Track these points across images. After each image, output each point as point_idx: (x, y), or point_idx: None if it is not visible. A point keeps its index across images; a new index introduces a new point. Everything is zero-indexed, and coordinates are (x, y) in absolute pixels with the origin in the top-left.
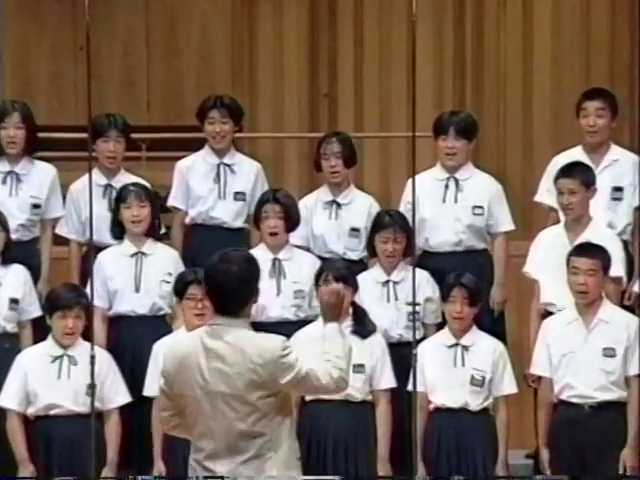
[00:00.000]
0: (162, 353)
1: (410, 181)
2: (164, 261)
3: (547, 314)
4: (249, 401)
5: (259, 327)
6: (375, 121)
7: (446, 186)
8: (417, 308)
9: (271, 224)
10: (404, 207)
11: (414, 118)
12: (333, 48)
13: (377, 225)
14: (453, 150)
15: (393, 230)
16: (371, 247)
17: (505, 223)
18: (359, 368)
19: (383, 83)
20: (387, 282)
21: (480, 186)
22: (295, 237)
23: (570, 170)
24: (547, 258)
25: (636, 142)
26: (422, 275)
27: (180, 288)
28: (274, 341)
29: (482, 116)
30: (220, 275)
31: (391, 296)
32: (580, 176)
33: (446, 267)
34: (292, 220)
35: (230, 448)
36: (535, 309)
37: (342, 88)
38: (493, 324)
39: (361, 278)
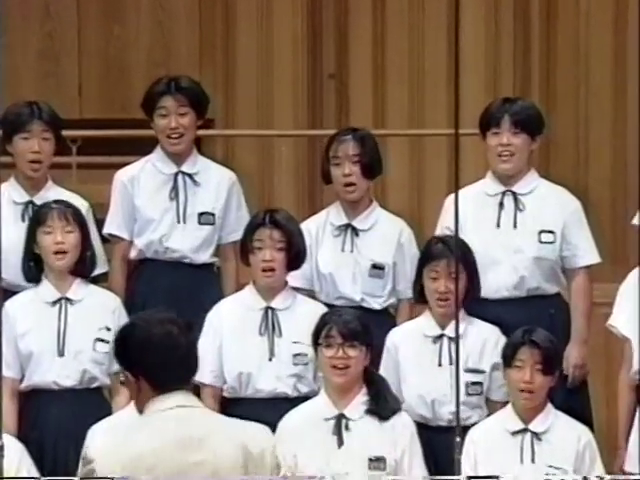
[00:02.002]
0: (97, 453)
1: (451, 198)
2: (99, 311)
3: None
4: None
5: (242, 405)
6: (402, 113)
7: (500, 204)
8: (480, 377)
9: (267, 256)
10: (441, 234)
11: (457, 109)
12: (343, 8)
13: (425, 256)
14: (509, 149)
15: (447, 262)
16: (418, 288)
17: (586, 255)
18: (377, 463)
19: (414, 60)
20: (440, 337)
21: (549, 202)
22: (293, 277)
23: None
24: None
25: None
26: (490, 332)
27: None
28: (263, 429)
29: (554, 109)
30: (157, 332)
31: (444, 358)
32: None
33: (504, 320)
34: (296, 253)
35: None
36: (625, 379)
37: (355, 66)
38: (568, 398)
39: (402, 331)
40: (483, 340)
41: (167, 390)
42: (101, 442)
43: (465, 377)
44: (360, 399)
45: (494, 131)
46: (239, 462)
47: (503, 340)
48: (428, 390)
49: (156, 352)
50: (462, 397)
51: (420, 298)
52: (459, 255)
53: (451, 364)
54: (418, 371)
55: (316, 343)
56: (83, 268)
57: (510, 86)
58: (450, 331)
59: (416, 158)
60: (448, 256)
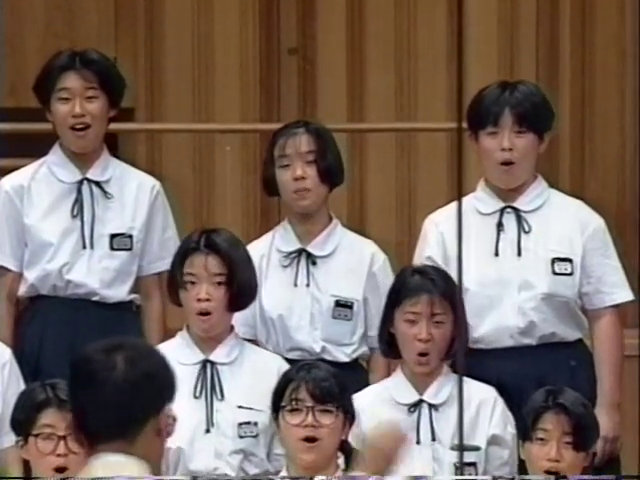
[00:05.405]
0: None
1: (430, 219)
2: None
3: None
4: None
5: None
6: (387, 102)
7: (499, 225)
8: (473, 456)
9: (202, 294)
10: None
11: (460, 97)
12: None
13: (398, 292)
14: (511, 156)
15: (428, 299)
16: (385, 335)
17: (614, 290)
18: None
19: (403, 32)
20: (417, 405)
21: (564, 221)
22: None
23: None
24: None
25: None
26: (485, 393)
27: (24, 418)
28: None
29: (592, 96)
30: (100, 368)
31: (423, 433)
32: None
33: (508, 376)
34: (241, 287)
35: None
36: None
37: (325, 38)
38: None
39: (366, 396)
40: (476, 406)
41: (96, 442)
42: None
43: (453, 456)
44: None
45: (490, 130)
46: None
47: (501, 404)
48: (403, 475)
49: (83, 388)
50: None
51: (390, 351)
52: (450, 292)
53: (434, 440)
54: None
55: (277, 407)
56: None
57: (532, 66)
58: (430, 396)
59: (406, 161)
60: (430, 290)
